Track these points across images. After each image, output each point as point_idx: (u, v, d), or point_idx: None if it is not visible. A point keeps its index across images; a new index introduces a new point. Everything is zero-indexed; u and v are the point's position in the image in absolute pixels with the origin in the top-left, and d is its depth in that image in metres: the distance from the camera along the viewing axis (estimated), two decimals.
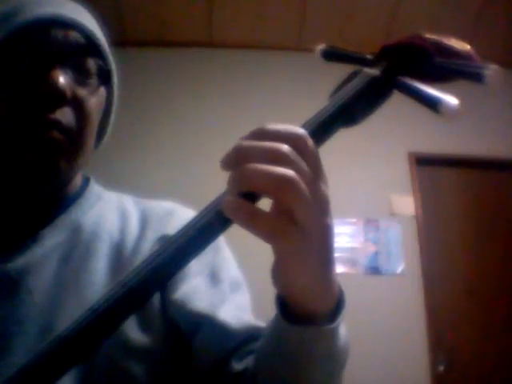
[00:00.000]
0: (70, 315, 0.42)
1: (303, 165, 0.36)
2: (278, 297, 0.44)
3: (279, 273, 0.40)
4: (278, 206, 0.36)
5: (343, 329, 0.46)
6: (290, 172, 0.34)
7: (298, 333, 0.43)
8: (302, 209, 0.35)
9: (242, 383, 0.54)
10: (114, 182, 0.80)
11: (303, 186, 0.35)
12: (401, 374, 2.68)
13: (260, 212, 0.35)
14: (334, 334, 0.44)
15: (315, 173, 0.37)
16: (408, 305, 2.88)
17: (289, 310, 0.44)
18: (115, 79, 0.70)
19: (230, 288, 0.65)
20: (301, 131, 0.37)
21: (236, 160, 0.36)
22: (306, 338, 0.43)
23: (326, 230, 0.38)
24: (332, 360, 0.46)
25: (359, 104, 0.37)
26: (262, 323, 0.59)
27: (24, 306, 0.57)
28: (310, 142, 0.37)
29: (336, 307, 0.44)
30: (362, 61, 0.41)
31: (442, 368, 2.79)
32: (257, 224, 0.35)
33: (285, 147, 0.35)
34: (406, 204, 3.12)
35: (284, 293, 0.43)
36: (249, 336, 0.58)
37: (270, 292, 0.45)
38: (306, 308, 0.42)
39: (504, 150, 3.21)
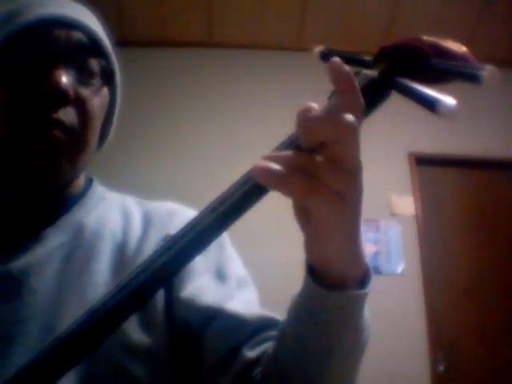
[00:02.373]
0: (72, 315, 0.42)
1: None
2: (308, 267, 0.46)
3: (315, 240, 0.42)
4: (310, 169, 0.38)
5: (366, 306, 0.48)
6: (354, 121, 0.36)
7: (335, 298, 0.44)
8: (350, 158, 0.37)
9: (255, 371, 0.54)
10: (114, 182, 0.80)
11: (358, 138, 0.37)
12: (401, 374, 2.68)
13: (290, 173, 0.36)
14: (364, 301, 0.46)
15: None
16: (408, 305, 2.88)
17: (318, 280, 0.45)
18: (118, 79, 0.70)
19: (237, 285, 0.65)
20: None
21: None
22: (341, 303, 0.44)
23: (360, 193, 0.40)
24: (359, 330, 0.47)
25: None
26: (273, 314, 0.60)
27: (26, 306, 0.57)
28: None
29: (363, 277, 0.46)
30: (360, 62, 0.41)
31: (441, 368, 2.79)
32: (288, 185, 0.37)
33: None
34: (406, 204, 3.12)
35: (317, 261, 0.44)
36: (261, 325, 0.58)
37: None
38: (337, 275, 0.44)
39: (503, 150, 3.21)
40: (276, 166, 0.36)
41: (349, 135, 0.36)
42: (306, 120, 0.37)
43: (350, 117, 0.36)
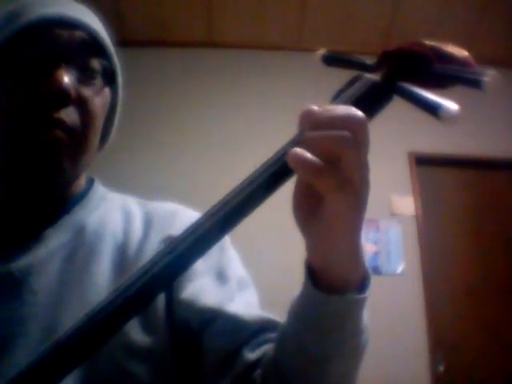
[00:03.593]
0: (72, 316, 0.42)
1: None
2: (307, 269, 0.46)
3: (323, 238, 0.42)
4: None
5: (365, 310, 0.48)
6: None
7: (335, 302, 0.44)
8: (357, 163, 0.38)
9: (255, 373, 0.54)
10: (115, 182, 0.80)
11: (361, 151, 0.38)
12: (401, 374, 2.68)
13: (324, 167, 0.37)
14: (364, 305, 0.46)
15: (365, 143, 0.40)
16: (408, 305, 2.88)
17: (318, 283, 0.45)
18: (120, 80, 0.70)
19: (238, 287, 0.65)
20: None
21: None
22: (341, 308, 0.45)
23: (367, 193, 0.40)
24: (359, 334, 0.47)
25: (360, 109, 0.37)
26: (273, 315, 0.60)
27: (27, 306, 0.57)
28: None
29: (362, 280, 0.46)
30: (362, 66, 0.41)
31: (441, 368, 2.79)
32: (322, 178, 0.37)
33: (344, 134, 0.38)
34: (406, 204, 3.12)
35: (319, 261, 0.44)
36: (261, 327, 0.58)
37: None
38: (338, 277, 0.44)
39: (504, 150, 3.21)
40: (313, 158, 0.37)
41: (350, 149, 0.37)
42: (305, 137, 0.38)
43: (346, 133, 0.37)
